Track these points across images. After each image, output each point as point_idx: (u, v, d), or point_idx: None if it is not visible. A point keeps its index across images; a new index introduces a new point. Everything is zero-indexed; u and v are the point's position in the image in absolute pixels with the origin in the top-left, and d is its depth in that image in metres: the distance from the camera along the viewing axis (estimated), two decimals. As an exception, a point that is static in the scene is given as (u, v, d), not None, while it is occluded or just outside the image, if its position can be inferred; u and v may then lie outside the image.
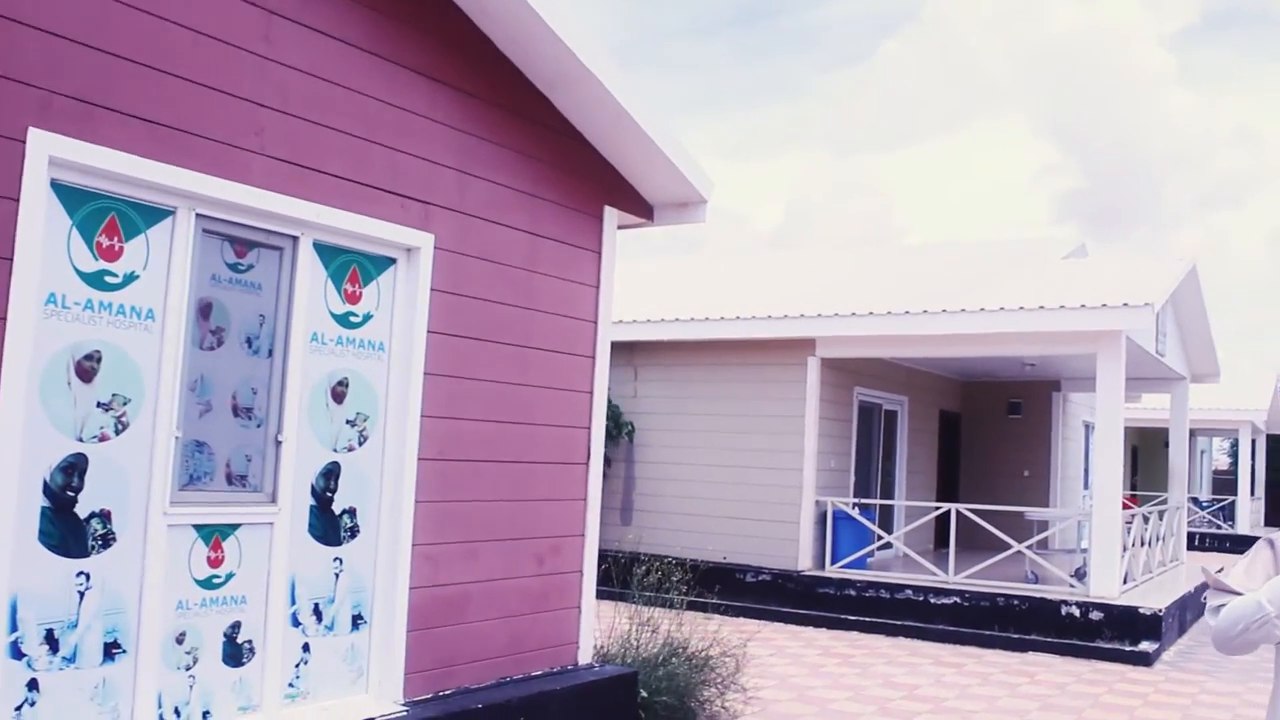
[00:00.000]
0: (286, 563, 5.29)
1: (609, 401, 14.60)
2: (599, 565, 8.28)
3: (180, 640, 4.83)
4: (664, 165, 7.12)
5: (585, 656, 7.11)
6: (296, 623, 5.37)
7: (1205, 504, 31.64)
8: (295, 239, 5.33)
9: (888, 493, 16.35)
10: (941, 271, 16.30)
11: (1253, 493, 30.41)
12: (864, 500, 14.73)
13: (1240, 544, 28.12)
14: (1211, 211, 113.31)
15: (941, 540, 15.08)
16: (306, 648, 5.42)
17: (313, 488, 5.45)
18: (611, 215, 7.29)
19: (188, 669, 4.86)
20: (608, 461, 14.57)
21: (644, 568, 8.20)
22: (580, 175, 7.03)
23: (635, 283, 18.33)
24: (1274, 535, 3.12)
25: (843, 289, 15.65)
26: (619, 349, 14.77)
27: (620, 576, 8.51)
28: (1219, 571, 3.06)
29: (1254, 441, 30.44)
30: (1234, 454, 37.72)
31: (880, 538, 14.11)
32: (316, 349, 5.45)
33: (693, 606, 9.80)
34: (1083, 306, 12.25)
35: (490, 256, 6.35)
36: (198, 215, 4.87)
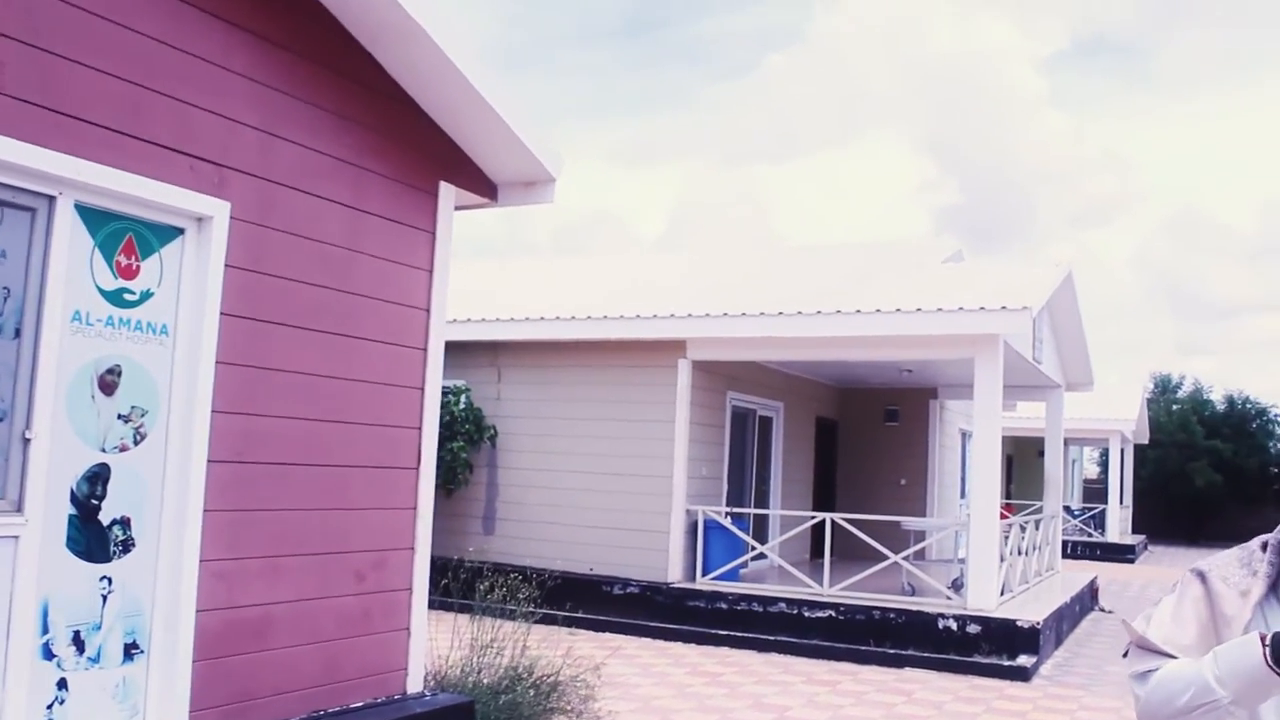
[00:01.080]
0: (36, 583, 4.44)
1: (470, 404, 13.88)
2: (454, 578, 7.54)
3: (-116, 680, 3.97)
4: (507, 138, 6.42)
5: (416, 684, 6.35)
6: (49, 655, 4.52)
7: (1077, 512, 31.94)
8: (51, 199, 4.49)
9: (762, 501, 15.83)
10: (818, 273, 15.87)
11: (1121, 501, 30.79)
12: (737, 509, 14.18)
13: (1111, 552, 28.39)
14: (1080, 231, 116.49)
15: (817, 550, 14.59)
16: (63, 684, 4.58)
17: (73, 494, 4.61)
18: (448, 192, 6.55)
19: (-106, 715, 4.00)
20: (469, 468, 13.85)
21: (487, 582, 7.45)
22: (412, 146, 6.29)
23: (503, 281, 17.59)
24: (1202, 565, 2.44)
25: (717, 290, 15.10)
26: (482, 349, 14.06)
27: (463, 591, 7.75)
28: (1143, 619, 2.40)
29: (1123, 451, 30.83)
30: (1104, 463, 38.32)
31: (754, 548, 13.57)
32: (79, 330, 4.62)
33: (555, 621, 9.13)
34: (961, 309, 11.87)
35: (301, 231, 5.57)
36: (-85, 164, 4.03)
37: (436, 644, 7.13)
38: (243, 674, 5.26)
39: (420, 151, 6.33)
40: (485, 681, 6.88)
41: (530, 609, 7.49)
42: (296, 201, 5.54)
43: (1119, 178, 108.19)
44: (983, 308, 11.76)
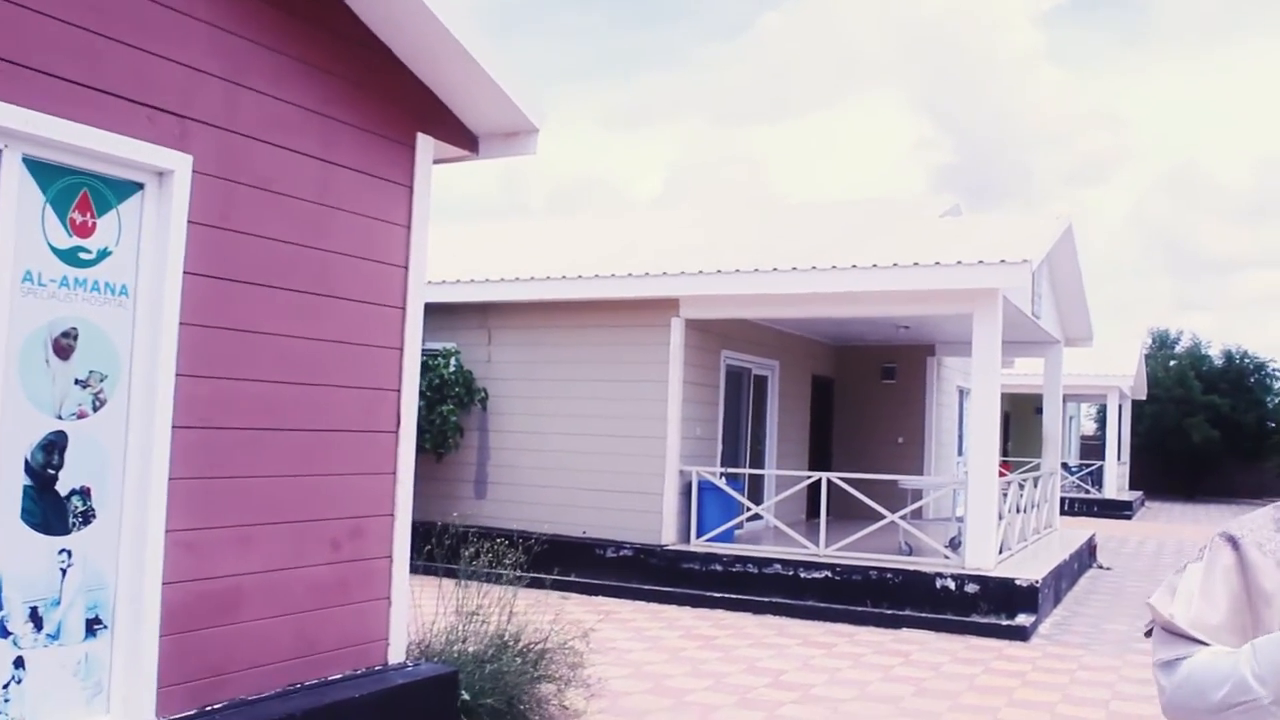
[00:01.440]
0: (-11, 558, 4.22)
1: (460, 367, 13.65)
2: (438, 544, 7.34)
3: None
4: (487, 87, 6.13)
5: (398, 655, 6.15)
6: (4, 632, 4.30)
7: (1074, 469, 31.83)
8: (-4, 152, 4.24)
9: (757, 461, 15.64)
10: (814, 230, 15.60)
11: (1119, 457, 30.66)
12: (732, 470, 13.99)
13: (1108, 508, 28.26)
14: (1077, 188, 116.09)
15: (813, 511, 14.43)
16: (20, 662, 4.36)
17: (28, 464, 4.38)
18: (426, 144, 6.28)
19: None
20: (460, 431, 13.63)
21: (474, 547, 7.24)
22: (387, 97, 6.01)
23: (495, 242, 17.31)
24: (1233, 528, 2.12)
25: (711, 248, 14.82)
26: (472, 310, 13.81)
27: (447, 556, 7.54)
28: (1166, 590, 2.13)
29: (1120, 407, 30.66)
30: (1101, 420, 38.18)
31: (749, 509, 13.38)
32: (31, 291, 4.37)
33: (545, 586, 8.95)
34: (959, 263, 11.62)
35: (269, 186, 5.30)
36: None
37: (423, 612, 6.94)
38: (213, 648, 5.05)
39: (396, 102, 6.05)
40: (471, 650, 6.69)
41: (520, 573, 7.28)
42: (264, 154, 5.27)
43: (1115, 135, 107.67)
44: (981, 261, 11.51)
